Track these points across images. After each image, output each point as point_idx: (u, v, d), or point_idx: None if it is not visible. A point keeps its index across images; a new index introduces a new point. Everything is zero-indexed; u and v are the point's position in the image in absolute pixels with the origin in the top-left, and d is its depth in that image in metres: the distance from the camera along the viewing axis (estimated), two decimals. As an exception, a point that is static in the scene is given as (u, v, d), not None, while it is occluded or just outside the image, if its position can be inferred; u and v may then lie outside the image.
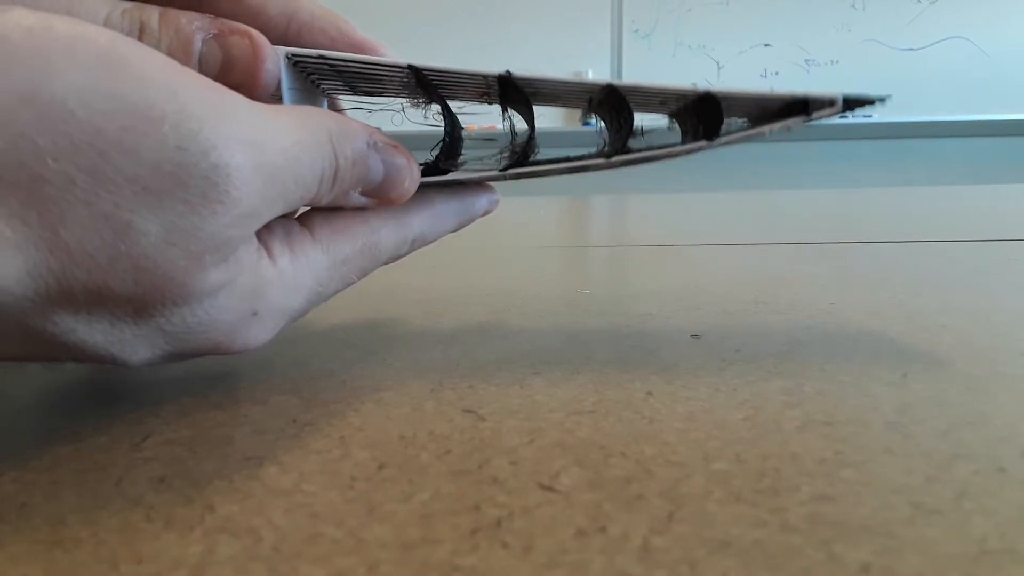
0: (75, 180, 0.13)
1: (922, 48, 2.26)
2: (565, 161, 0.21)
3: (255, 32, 0.18)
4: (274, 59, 0.18)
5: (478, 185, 0.23)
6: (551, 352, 0.23)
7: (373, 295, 0.33)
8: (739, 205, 0.84)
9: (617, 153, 0.21)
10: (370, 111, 0.22)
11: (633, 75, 2.31)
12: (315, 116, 0.17)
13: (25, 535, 0.13)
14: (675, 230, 0.57)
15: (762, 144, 2.37)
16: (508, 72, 0.20)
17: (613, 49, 2.31)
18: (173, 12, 0.17)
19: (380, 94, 0.22)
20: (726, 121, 0.21)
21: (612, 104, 0.21)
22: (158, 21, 0.17)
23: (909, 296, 0.30)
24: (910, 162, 2.39)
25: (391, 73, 0.20)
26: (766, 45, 2.28)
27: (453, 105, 0.21)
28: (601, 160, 0.21)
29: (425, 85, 0.20)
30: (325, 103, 0.22)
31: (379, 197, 0.19)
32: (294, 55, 0.19)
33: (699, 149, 0.21)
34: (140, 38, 0.16)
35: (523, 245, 0.51)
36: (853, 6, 2.25)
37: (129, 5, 0.17)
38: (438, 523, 0.13)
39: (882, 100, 0.21)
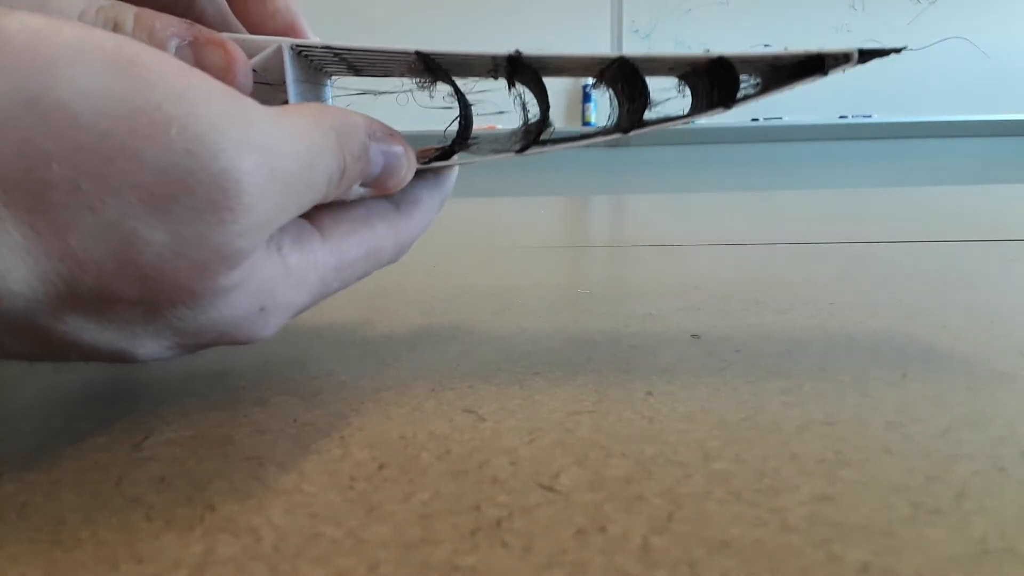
0: (80, 185, 0.13)
1: (921, 48, 2.27)
2: (581, 138, 0.21)
3: (231, 44, 0.18)
4: (247, 72, 0.18)
5: (447, 168, 0.23)
6: (551, 352, 0.23)
7: (373, 295, 0.33)
8: (739, 205, 0.84)
9: (635, 127, 0.20)
10: (376, 94, 0.22)
11: (633, 75, 2.30)
12: (321, 114, 0.17)
13: (25, 535, 0.13)
14: (675, 230, 0.57)
15: (762, 144, 2.38)
16: (518, 52, 0.20)
17: (613, 49, 2.31)
18: (149, 13, 0.17)
19: (386, 76, 0.22)
20: (740, 83, 0.20)
21: (624, 75, 0.20)
22: (132, 22, 0.16)
23: (909, 296, 0.30)
24: (910, 162, 2.39)
25: (397, 59, 0.20)
26: (765, 45, 2.29)
27: (462, 84, 0.21)
28: (619, 135, 0.21)
29: (433, 69, 0.20)
30: (329, 86, 0.22)
31: (377, 187, 0.19)
32: (299, 46, 0.19)
33: (716, 114, 0.21)
34: None
35: (523, 245, 0.51)
36: (852, 7, 2.25)
37: (104, 3, 0.16)
38: (438, 523, 0.13)
39: (897, 51, 0.21)
